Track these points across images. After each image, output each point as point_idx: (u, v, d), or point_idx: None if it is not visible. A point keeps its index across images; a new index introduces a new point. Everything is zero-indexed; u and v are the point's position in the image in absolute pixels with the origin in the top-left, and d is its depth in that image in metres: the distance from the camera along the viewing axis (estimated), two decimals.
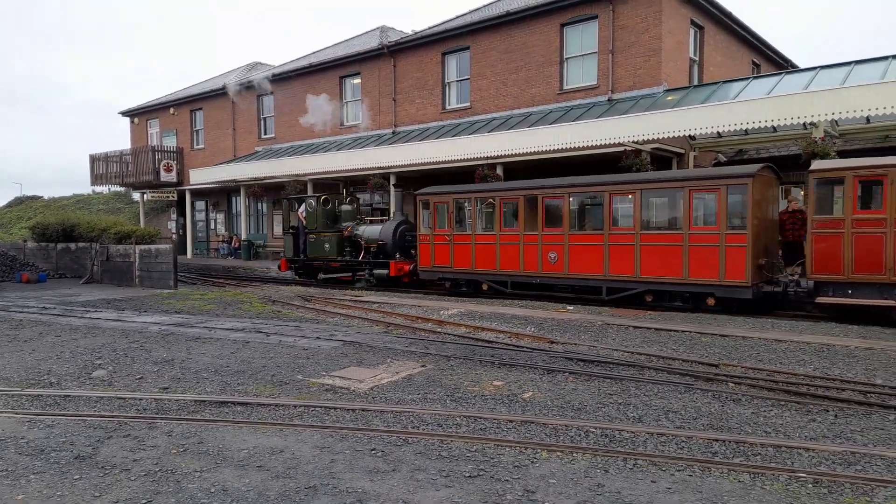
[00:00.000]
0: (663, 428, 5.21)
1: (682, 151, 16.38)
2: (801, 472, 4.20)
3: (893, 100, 11.64)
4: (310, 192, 23.48)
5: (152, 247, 17.97)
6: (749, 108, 13.40)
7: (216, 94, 29.66)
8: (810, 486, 4.03)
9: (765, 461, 4.47)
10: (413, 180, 20.73)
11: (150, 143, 32.92)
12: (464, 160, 17.79)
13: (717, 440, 4.88)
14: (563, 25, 18.29)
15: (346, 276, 17.97)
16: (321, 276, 18.65)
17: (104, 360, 8.06)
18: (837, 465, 4.40)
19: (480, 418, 5.46)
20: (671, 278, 11.62)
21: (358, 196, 20.13)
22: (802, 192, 13.40)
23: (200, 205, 31.82)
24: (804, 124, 13.38)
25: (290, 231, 19.25)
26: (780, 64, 22.86)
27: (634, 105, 16.18)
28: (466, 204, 14.94)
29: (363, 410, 5.74)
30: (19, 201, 48.31)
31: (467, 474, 4.25)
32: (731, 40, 20.07)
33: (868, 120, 13.53)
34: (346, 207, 18.58)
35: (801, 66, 21.32)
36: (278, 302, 14.21)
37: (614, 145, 15.00)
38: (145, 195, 31.63)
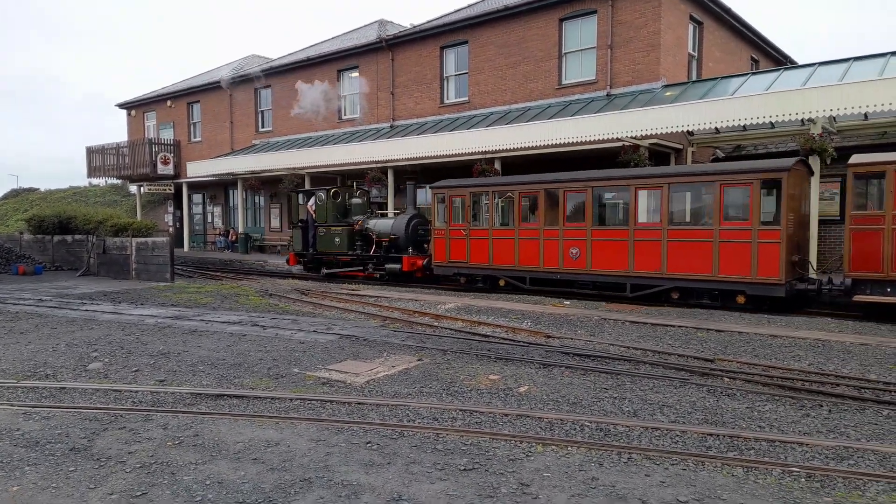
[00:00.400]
0: (658, 422, 5.23)
1: (681, 147, 16.38)
2: (795, 467, 4.22)
3: (891, 96, 11.63)
4: (307, 186, 23.46)
5: (149, 239, 17.94)
6: (747, 104, 13.39)
7: (213, 87, 29.56)
8: (803, 480, 4.05)
9: (758, 455, 4.49)
10: (411, 174, 20.70)
11: (147, 135, 32.82)
12: (462, 154, 17.77)
13: (711, 434, 4.90)
14: (561, 20, 18.25)
15: (358, 272, 17.56)
16: (324, 270, 18.32)
17: (100, 353, 8.06)
18: (830, 459, 4.43)
19: (476, 412, 5.48)
20: (699, 275, 11.30)
21: (368, 189, 19.88)
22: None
23: (197, 198, 31.77)
24: (802, 120, 13.37)
25: (300, 225, 19.01)
26: (778, 60, 22.84)
27: (633, 100, 16.16)
28: (484, 197, 14.67)
29: (359, 404, 5.75)
30: (15, 193, 48.17)
31: (462, 467, 4.26)
32: (729, 36, 20.03)
33: (866, 116, 13.52)
34: (356, 201, 18.34)
35: (800, 62, 21.31)
36: (275, 295, 14.21)
37: (612, 140, 14.98)
38: (142, 188, 31.57)
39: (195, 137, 31.34)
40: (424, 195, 22.06)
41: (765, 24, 53.28)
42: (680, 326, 9.49)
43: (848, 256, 10.17)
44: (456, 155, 17.90)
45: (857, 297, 10.11)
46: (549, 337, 9.03)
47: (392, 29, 24.39)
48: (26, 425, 5.19)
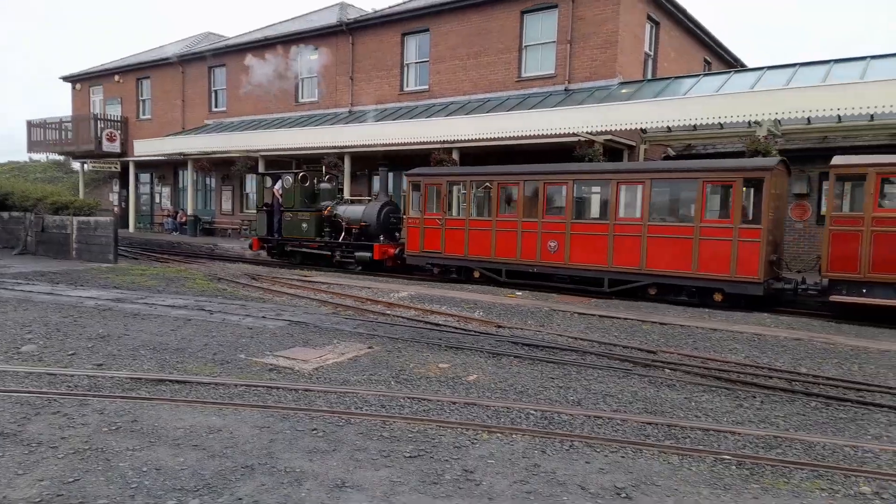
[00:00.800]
0: (600, 411, 5.36)
1: (634, 144, 16.73)
2: (727, 455, 4.40)
3: (833, 102, 12.15)
4: (261, 169, 22.99)
5: (91, 219, 17.26)
6: (698, 104, 13.77)
7: (165, 64, 28.58)
8: (734, 467, 4.22)
9: (693, 444, 4.66)
10: (368, 160, 20.54)
11: (92, 110, 31.50)
12: (421, 143, 17.71)
13: (650, 423, 5.05)
14: (523, 13, 18.33)
15: (326, 254, 17.10)
16: (288, 248, 17.77)
17: (35, 335, 7.73)
18: (760, 448, 4.63)
19: (424, 400, 5.50)
20: (679, 272, 11.32)
21: (337, 175, 19.40)
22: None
23: (145, 177, 30.74)
24: (749, 122, 13.84)
25: (264, 209, 18.35)
26: (729, 62, 23.53)
27: (590, 96, 16.40)
28: (461, 187, 14.44)
29: (306, 391, 5.69)
30: None
31: (408, 454, 4.27)
32: (685, 37, 20.52)
33: (809, 121, 14.09)
34: (325, 186, 17.79)
35: (750, 65, 22.00)
36: (224, 280, 13.90)
37: (569, 135, 15.19)
38: (86, 165, 30.31)
39: (144, 115, 30.25)
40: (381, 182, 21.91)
41: (720, 27, 54.77)
42: (626, 319, 9.74)
43: (826, 257, 10.24)
44: (415, 143, 17.82)
45: (833, 297, 10.21)
46: (499, 327, 9.13)
47: (353, 13, 24.03)
48: None
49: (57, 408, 5.05)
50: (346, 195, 19.85)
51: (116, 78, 31.00)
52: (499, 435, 4.71)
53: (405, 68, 21.29)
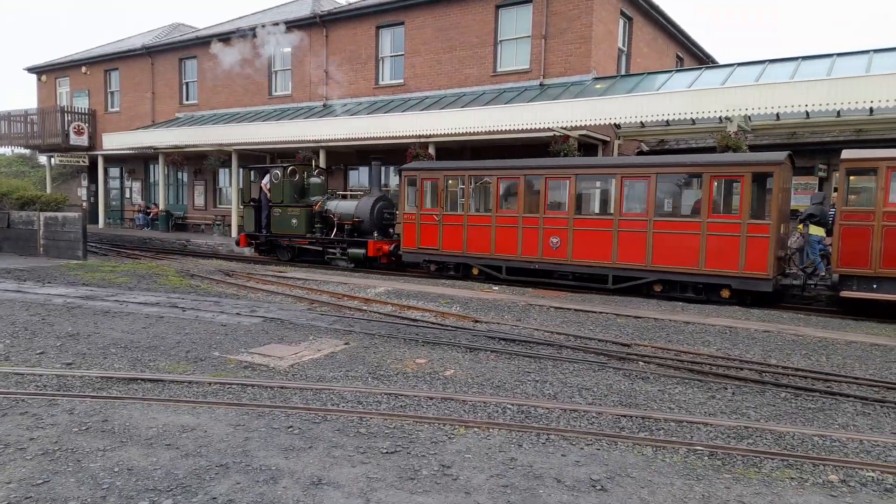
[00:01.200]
0: (576, 404, 5.41)
1: (608, 139, 16.87)
2: (699, 446, 4.48)
3: (801, 98, 12.40)
4: (234, 163, 22.68)
5: (59, 214, 16.86)
6: (671, 100, 13.94)
7: (134, 55, 27.97)
8: (706, 458, 4.30)
9: (667, 435, 4.74)
10: (343, 155, 20.38)
11: (59, 103, 30.71)
12: (397, 137, 17.62)
13: (624, 416, 5.12)
14: (497, 7, 18.32)
15: (317, 249, 16.74)
16: (289, 255, 17.36)
17: (1, 334, 7.53)
18: (732, 438, 4.72)
19: (401, 395, 5.49)
20: (685, 268, 11.14)
21: (326, 168, 19.02)
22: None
23: (115, 171, 30.10)
24: (720, 118, 14.06)
25: (251, 204, 17.93)
26: (701, 59, 23.85)
27: (564, 91, 16.49)
28: (459, 182, 14.12)
29: (282, 388, 5.64)
30: None
31: (384, 451, 4.27)
32: (657, 33, 20.74)
33: (778, 116, 14.37)
34: (315, 180, 17.45)
35: (721, 62, 22.34)
36: (197, 276, 13.70)
37: (544, 130, 15.26)
38: (53, 159, 29.58)
39: (113, 107, 29.58)
40: (357, 177, 21.81)
41: (691, 23, 55.46)
42: (601, 313, 9.84)
43: (837, 252, 10.18)
44: (391, 137, 17.73)
45: (843, 293, 10.17)
46: (476, 321, 9.16)
47: (326, 5, 23.77)
48: None
49: (25, 408, 4.93)
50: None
51: (84, 69, 30.25)
52: (476, 429, 4.73)
53: (380, 62, 21.16)
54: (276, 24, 22.76)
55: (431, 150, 17.58)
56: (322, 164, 20.09)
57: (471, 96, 18.34)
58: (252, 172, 18.65)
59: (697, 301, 11.17)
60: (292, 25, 22.58)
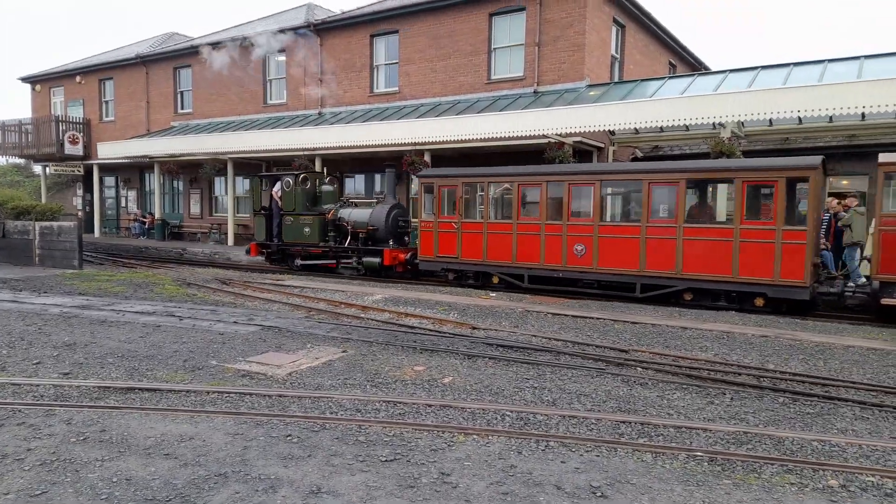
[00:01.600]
0: (575, 411, 5.42)
1: (602, 146, 16.95)
2: (699, 451, 4.48)
3: (793, 104, 12.47)
4: (230, 172, 22.66)
5: (54, 224, 16.80)
6: (664, 106, 14.01)
7: (128, 64, 27.96)
8: (706, 464, 4.30)
9: (666, 441, 4.74)
10: (338, 163, 20.40)
11: (53, 112, 30.66)
12: (392, 145, 17.66)
13: (624, 422, 5.12)
14: (491, 15, 18.42)
15: (331, 264, 16.31)
16: (298, 261, 16.94)
17: None
18: (731, 444, 4.72)
19: (400, 403, 5.48)
20: (717, 276, 10.82)
21: (339, 176, 18.80)
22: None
23: (110, 181, 30.04)
24: (714, 124, 14.14)
25: (262, 212, 17.60)
26: (693, 65, 24.00)
27: (559, 98, 16.56)
28: (478, 189, 13.82)
29: (280, 396, 5.63)
30: None
31: (384, 459, 4.26)
32: (650, 40, 20.87)
33: (771, 122, 14.45)
34: (326, 188, 17.12)
35: (713, 69, 22.48)
36: (194, 285, 13.66)
37: (539, 137, 15.31)
38: (48, 168, 29.51)
39: (108, 117, 29.55)
40: (353, 185, 21.83)
41: (683, 30, 55.88)
42: (599, 318, 9.85)
43: (876, 258, 9.94)
44: (387, 145, 17.77)
45: (884, 301, 9.92)
46: (474, 328, 9.15)
47: (321, 13, 23.85)
48: None
49: (22, 419, 4.91)
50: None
51: (78, 79, 30.21)
52: (475, 437, 4.73)
53: (375, 70, 21.22)
54: (271, 32, 22.84)
55: (427, 158, 17.62)
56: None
57: (466, 104, 18.40)
58: (263, 181, 18.36)
59: (730, 309, 10.88)
60: (286, 34, 22.65)
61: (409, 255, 15.17)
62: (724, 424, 5.16)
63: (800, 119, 13.73)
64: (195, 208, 26.63)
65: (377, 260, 15.11)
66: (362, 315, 10.32)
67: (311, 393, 5.73)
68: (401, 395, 5.76)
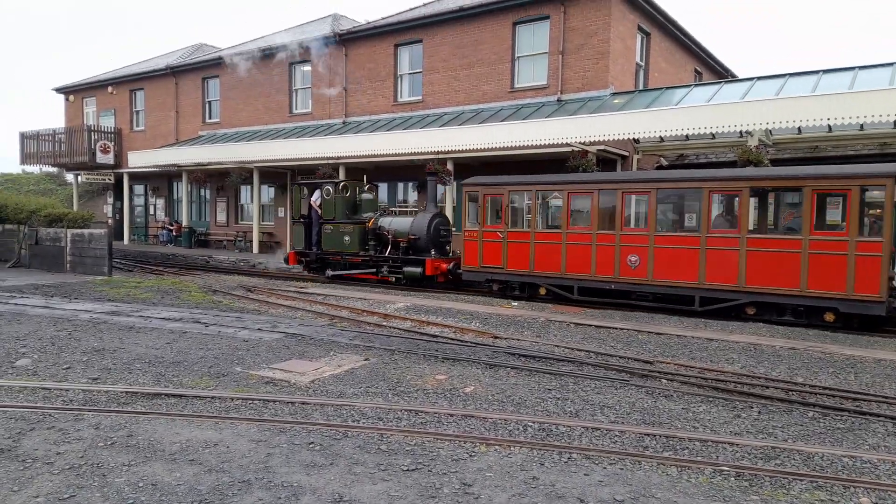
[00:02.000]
0: (598, 422, 5.36)
1: (627, 154, 16.82)
2: (725, 466, 4.40)
3: (823, 112, 12.25)
4: (255, 180, 22.97)
5: (85, 231, 17.19)
6: (690, 114, 13.87)
7: (159, 75, 28.57)
8: (733, 479, 4.22)
9: (692, 455, 4.66)
10: (362, 171, 20.54)
11: (85, 122, 31.44)
12: (415, 154, 17.75)
13: (648, 434, 5.05)
14: (515, 24, 18.45)
15: (370, 275, 16.00)
16: (329, 272, 16.76)
17: (29, 349, 7.68)
18: (759, 459, 4.63)
19: (421, 412, 5.48)
20: (783, 289, 10.31)
21: (377, 185, 18.68)
22: None
23: (139, 189, 30.66)
24: (740, 132, 13.95)
25: (301, 221, 17.47)
26: (720, 73, 23.73)
27: (582, 106, 16.50)
28: (525, 197, 13.48)
29: (303, 404, 5.67)
30: None
31: (405, 468, 4.26)
32: (675, 48, 20.70)
33: (799, 130, 14.21)
34: (366, 196, 16.96)
35: (740, 76, 22.21)
36: (219, 292, 13.85)
37: (562, 145, 15.26)
38: (80, 177, 30.24)
39: (138, 126, 30.21)
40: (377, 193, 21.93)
41: (709, 38, 55.41)
42: (622, 329, 9.75)
43: None
44: (410, 154, 17.86)
45: None
46: (496, 338, 9.12)
47: (346, 24, 24.12)
48: None
49: (52, 423, 5.01)
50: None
51: (110, 89, 30.97)
52: (497, 447, 4.70)
53: (398, 79, 21.37)
54: (297, 43, 23.18)
55: (450, 166, 17.67)
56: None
57: (488, 112, 18.43)
58: (303, 189, 18.21)
59: (797, 325, 10.35)
60: (312, 45, 22.95)
61: (451, 264, 14.95)
62: (752, 439, 5.06)
63: (829, 127, 13.48)
64: (221, 216, 27.04)
65: (418, 270, 14.85)
66: (384, 323, 10.36)
67: (334, 401, 5.76)
68: (422, 404, 5.75)
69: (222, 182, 24.96)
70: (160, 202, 30.09)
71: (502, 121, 16.88)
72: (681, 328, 9.84)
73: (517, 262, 13.32)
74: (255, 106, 25.22)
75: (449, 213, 17.85)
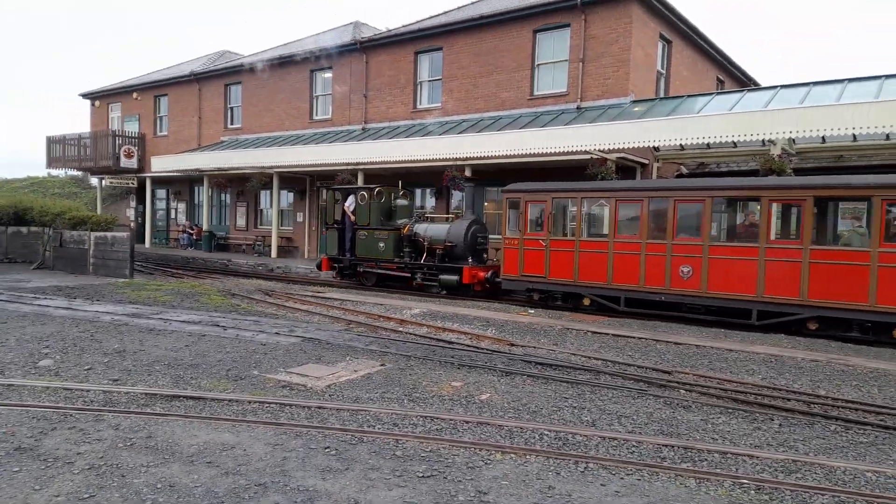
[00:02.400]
0: (615, 432, 5.31)
1: (647, 162, 16.69)
2: (745, 479, 4.33)
3: (848, 122, 12.07)
4: (275, 185, 23.18)
5: (108, 234, 17.47)
6: (712, 122, 13.74)
7: (182, 81, 29.02)
8: (753, 492, 4.15)
9: (710, 467, 4.59)
10: (380, 177, 20.64)
11: (110, 127, 32.01)
12: (433, 160, 17.77)
13: (666, 445, 4.99)
14: (535, 31, 18.45)
15: (406, 281, 15.79)
16: (362, 279, 16.65)
17: (52, 350, 7.81)
18: (779, 472, 4.55)
19: (437, 418, 5.47)
20: (849, 303, 9.85)
21: (411, 190, 18.49)
22: None
23: (161, 193, 31.09)
24: (763, 141, 13.79)
25: (335, 226, 17.33)
26: (742, 81, 23.50)
27: (602, 114, 16.43)
28: (569, 204, 13.18)
29: (319, 408, 5.69)
30: None
31: (420, 474, 4.25)
32: (697, 56, 20.55)
33: (823, 140, 14.00)
34: (401, 202, 16.78)
35: (763, 84, 21.97)
36: (238, 295, 13.99)
37: (581, 153, 15.19)
38: (104, 181, 30.76)
39: (161, 131, 30.69)
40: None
41: (731, 46, 54.93)
42: (640, 338, 9.66)
43: None
44: (429, 160, 17.90)
45: None
46: (512, 345, 9.09)
47: (367, 31, 24.32)
48: None
49: (73, 423, 5.09)
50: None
51: (134, 95, 31.52)
52: (512, 455, 4.68)
53: (418, 86, 21.48)
54: (318, 50, 23.41)
55: (468, 173, 17.67)
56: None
57: (507, 119, 18.43)
58: (335, 193, 18.03)
59: (863, 342, 9.94)
60: (333, 52, 23.17)
61: (489, 273, 14.61)
62: (772, 451, 4.98)
63: (854, 136, 13.28)
64: (241, 221, 27.31)
65: (455, 278, 14.52)
66: (400, 329, 10.37)
67: (350, 406, 5.77)
68: (438, 411, 5.75)
69: (242, 187, 25.23)
70: (181, 206, 30.48)
71: (522, 128, 16.86)
72: (700, 338, 9.72)
73: (560, 271, 12.91)
74: (277, 112, 25.49)
75: None
